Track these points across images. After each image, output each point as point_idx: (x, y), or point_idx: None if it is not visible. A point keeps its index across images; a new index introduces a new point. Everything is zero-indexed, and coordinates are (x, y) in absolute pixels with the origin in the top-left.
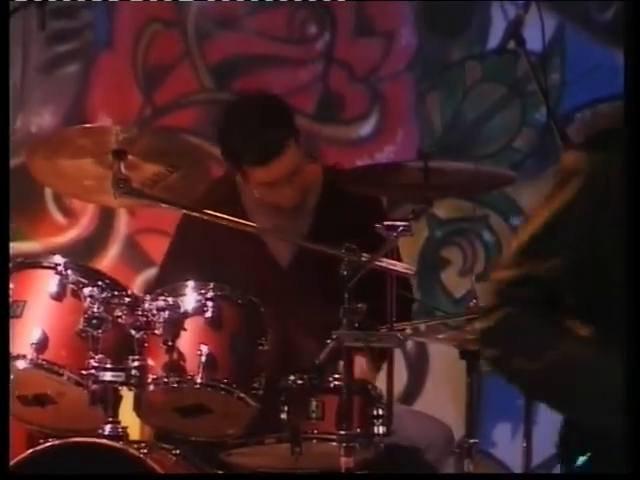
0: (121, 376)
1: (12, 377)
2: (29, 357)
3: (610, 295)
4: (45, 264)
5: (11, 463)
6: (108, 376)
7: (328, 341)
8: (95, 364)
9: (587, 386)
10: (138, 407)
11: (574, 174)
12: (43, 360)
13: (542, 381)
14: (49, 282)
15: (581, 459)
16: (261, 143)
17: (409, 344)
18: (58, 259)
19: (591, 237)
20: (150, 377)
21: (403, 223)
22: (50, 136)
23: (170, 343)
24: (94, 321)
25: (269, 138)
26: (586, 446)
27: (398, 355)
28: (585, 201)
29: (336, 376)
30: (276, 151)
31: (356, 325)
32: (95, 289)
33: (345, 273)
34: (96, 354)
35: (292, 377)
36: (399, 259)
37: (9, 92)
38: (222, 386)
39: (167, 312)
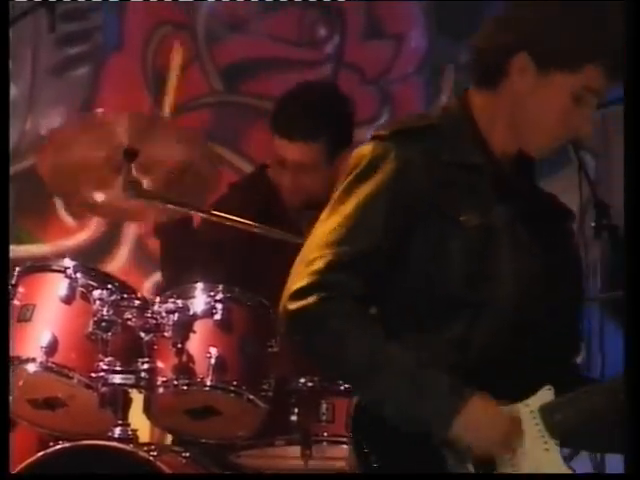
0: (131, 379)
1: (22, 381)
2: (39, 360)
3: (403, 286)
4: (54, 267)
5: (21, 466)
6: (118, 379)
7: None
8: (105, 367)
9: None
10: (148, 409)
11: (374, 166)
12: (53, 363)
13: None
14: (58, 285)
15: None
16: (301, 118)
17: None
18: (67, 262)
19: (391, 230)
20: (160, 379)
21: None
22: (57, 130)
23: (179, 345)
24: (103, 324)
25: (312, 118)
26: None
27: None
28: (386, 193)
29: None
30: (308, 134)
31: None
32: (104, 292)
33: None
34: (106, 357)
35: (302, 379)
36: None
37: (9, 92)
38: (232, 388)
39: (176, 314)
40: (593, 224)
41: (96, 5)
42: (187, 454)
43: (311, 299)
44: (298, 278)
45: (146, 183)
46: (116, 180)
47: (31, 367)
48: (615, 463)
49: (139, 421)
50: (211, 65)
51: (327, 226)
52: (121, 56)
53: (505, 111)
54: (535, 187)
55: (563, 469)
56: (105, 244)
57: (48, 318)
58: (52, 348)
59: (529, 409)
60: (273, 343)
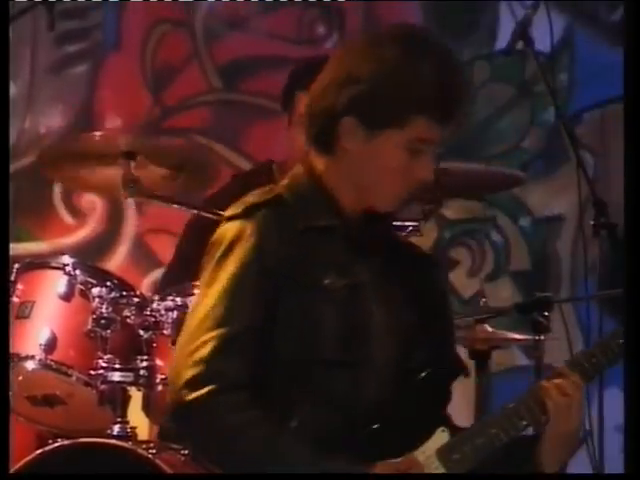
0: (130, 376)
1: (21, 378)
2: (38, 357)
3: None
4: (53, 264)
5: (20, 463)
6: (117, 376)
7: None
8: (104, 364)
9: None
10: (147, 407)
11: (234, 244)
12: (52, 360)
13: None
14: (57, 282)
15: None
16: None
17: None
18: (66, 259)
19: (260, 306)
20: (159, 377)
21: (412, 223)
22: (59, 142)
23: None
24: (102, 321)
25: None
26: None
27: None
28: (249, 270)
29: None
30: None
31: None
32: (103, 289)
33: None
34: (105, 354)
35: None
36: None
37: (9, 92)
38: None
39: (175, 312)
40: (592, 222)
41: (95, 3)
42: (186, 452)
43: (204, 391)
44: (185, 366)
45: (145, 181)
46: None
47: (30, 364)
48: (614, 463)
49: (138, 419)
50: (210, 63)
51: (202, 310)
52: (120, 54)
53: (344, 172)
54: (395, 239)
55: None
56: (104, 241)
57: (47, 315)
58: (51, 345)
59: (425, 455)
60: None
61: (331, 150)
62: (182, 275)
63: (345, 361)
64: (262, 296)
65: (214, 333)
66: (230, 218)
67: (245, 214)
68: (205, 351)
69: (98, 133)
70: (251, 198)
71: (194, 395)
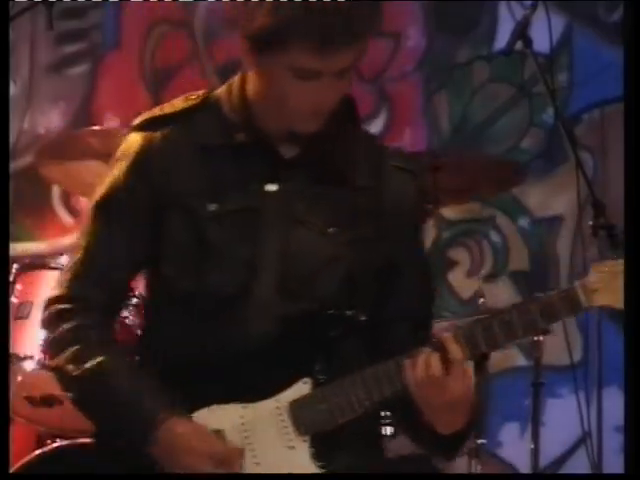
0: None
1: (20, 378)
2: (36, 358)
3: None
4: (52, 265)
5: (19, 464)
6: None
7: None
8: None
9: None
10: None
11: (119, 160)
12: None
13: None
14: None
15: None
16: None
17: None
18: (65, 260)
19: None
20: None
21: None
22: (59, 137)
23: None
24: None
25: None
26: None
27: None
28: (121, 190)
29: None
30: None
31: None
32: None
33: None
34: None
35: None
36: None
37: (9, 92)
38: None
39: None
40: (590, 223)
41: (94, 3)
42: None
43: (53, 309)
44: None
45: None
46: None
47: (29, 365)
48: (613, 463)
49: None
50: (209, 63)
51: (80, 231)
52: (119, 54)
53: (258, 91)
54: (326, 160)
55: (310, 467)
56: None
57: None
58: None
59: (276, 405)
60: None
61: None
62: None
63: (230, 292)
64: (134, 218)
65: (77, 257)
66: (131, 128)
67: (142, 127)
68: (66, 276)
69: (97, 128)
70: (164, 108)
71: (46, 311)
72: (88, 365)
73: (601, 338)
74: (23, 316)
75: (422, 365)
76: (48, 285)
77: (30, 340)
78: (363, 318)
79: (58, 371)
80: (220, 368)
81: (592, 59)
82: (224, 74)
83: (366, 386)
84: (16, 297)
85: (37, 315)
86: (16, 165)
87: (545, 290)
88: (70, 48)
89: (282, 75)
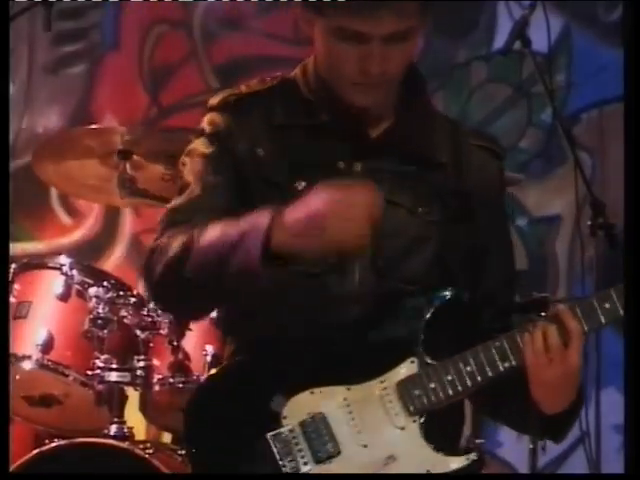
0: (127, 376)
1: (18, 378)
2: (35, 358)
3: None
4: (50, 265)
5: (17, 463)
6: (114, 376)
7: None
8: (101, 364)
9: None
10: (144, 407)
11: (203, 140)
12: (49, 361)
13: None
14: (54, 283)
15: None
16: None
17: None
18: (63, 260)
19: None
20: (156, 377)
21: None
22: (55, 137)
23: (175, 343)
24: (99, 321)
25: None
26: None
27: None
28: (213, 170)
29: None
30: None
31: None
32: (100, 289)
33: None
34: (102, 354)
35: None
36: None
37: (9, 92)
38: None
39: None
40: (589, 222)
41: (93, 3)
42: (183, 452)
43: (162, 239)
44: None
45: (141, 181)
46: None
47: (27, 364)
48: (611, 463)
49: (135, 419)
50: (207, 63)
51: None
52: (117, 54)
53: (326, 67)
54: (409, 138)
55: (420, 444)
56: (101, 242)
57: (44, 315)
58: (48, 345)
59: (383, 386)
60: None
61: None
62: None
63: (311, 272)
64: (226, 190)
65: (176, 202)
66: (209, 107)
67: (219, 104)
68: (167, 219)
69: (94, 126)
70: (242, 88)
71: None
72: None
73: (599, 338)
74: (21, 316)
75: (540, 337)
76: (46, 285)
77: (28, 340)
78: (467, 298)
79: (171, 264)
80: (318, 350)
81: (591, 59)
82: (223, 73)
83: (479, 363)
84: (14, 297)
85: (35, 315)
86: (14, 165)
87: (543, 290)
88: (68, 48)
89: (332, 40)
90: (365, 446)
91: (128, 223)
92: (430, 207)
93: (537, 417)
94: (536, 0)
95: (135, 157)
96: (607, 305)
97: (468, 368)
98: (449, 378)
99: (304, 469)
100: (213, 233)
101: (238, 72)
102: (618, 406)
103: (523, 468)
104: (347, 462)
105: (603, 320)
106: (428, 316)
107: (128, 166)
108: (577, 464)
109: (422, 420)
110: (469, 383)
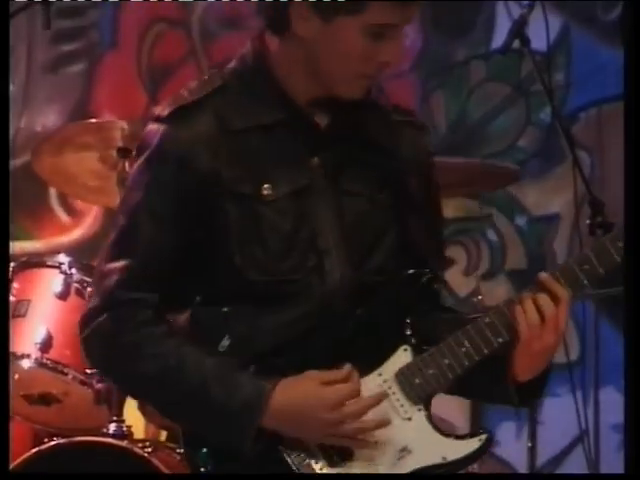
0: None
1: (17, 376)
2: (34, 356)
3: None
4: (49, 263)
5: (16, 462)
6: None
7: None
8: None
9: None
10: (143, 406)
11: (152, 156)
12: (48, 359)
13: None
14: (53, 281)
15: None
16: None
17: None
18: (62, 258)
19: (182, 226)
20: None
21: None
22: (55, 133)
23: None
24: None
25: None
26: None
27: None
28: (168, 186)
29: None
30: None
31: None
32: None
33: None
34: None
35: None
36: None
37: (9, 92)
38: None
39: None
40: (588, 221)
41: (91, 2)
42: (182, 451)
43: (100, 319)
44: (92, 295)
45: None
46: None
47: (26, 363)
48: (610, 462)
49: (134, 417)
50: (206, 62)
51: (114, 231)
52: (116, 53)
53: (298, 57)
54: (364, 127)
55: (430, 432)
56: (100, 240)
57: (43, 314)
58: (47, 344)
59: (382, 378)
60: None
61: (284, 34)
62: None
63: (292, 279)
64: (182, 215)
65: (120, 263)
66: (155, 119)
67: (169, 117)
68: (108, 282)
69: (94, 120)
70: (186, 95)
71: (92, 325)
72: (171, 360)
73: (598, 336)
74: (20, 314)
75: (533, 308)
76: (45, 283)
77: (27, 338)
78: (440, 272)
79: (128, 379)
80: (310, 351)
81: (589, 58)
82: None
83: (473, 342)
84: (13, 295)
85: (34, 313)
86: (13, 164)
87: None
88: (67, 47)
89: (352, 36)
90: (376, 442)
91: None
92: (384, 192)
93: (511, 385)
94: None
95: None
96: (586, 266)
97: (463, 349)
98: (446, 362)
99: (318, 471)
100: (196, 378)
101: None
102: (617, 405)
103: (521, 467)
104: (361, 461)
105: (585, 281)
106: (412, 298)
107: (127, 165)
108: (576, 463)
109: (427, 408)
110: (466, 363)
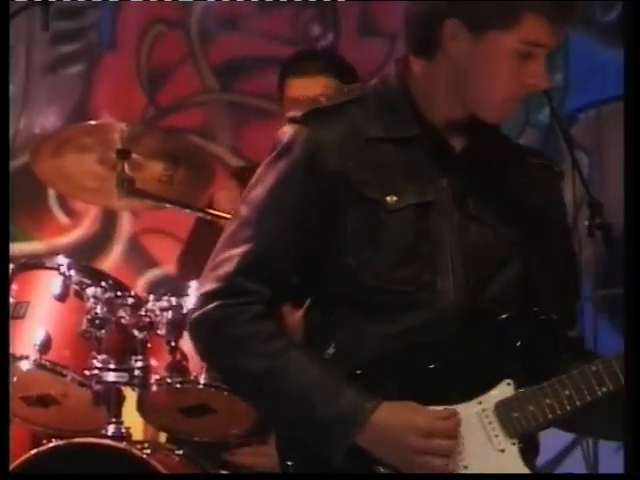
0: (124, 376)
1: (15, 378)
2: (32, 358)
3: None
4: (48, 265)
5: (15, 463)
6: (111, 376)
7: None
8: (98, 364)
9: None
10: (141, 407)
11: (283, 152)
12: (46, 361)
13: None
14: (52, 283)
15: None
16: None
17: None
18: (61, 260)
19: (303, 221)
20: (153, 377)
21: None
22: (54, 134)
23: (173, 343)
24: (97, 321)
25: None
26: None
27: None
28: (294, 182)
29: None
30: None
31: None
32: (98, 289)
33: None
34: (99, 354)
35: None
36: None
37: (9, 92)
38: (225, 386)
39: (170, 312)
40: (586, 222)
41: (90, 3)
42: (181, 452)
43: (212, 306)
44: (206, 280)
45: (139, 181)
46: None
47: (25, 365)
48: (609, 463)
49: (133, 419)
50: (205, 63)
51: (235, 222)
52: (115, 54)
53: (445, 78)
54: (499, 152)
55: (520, 467)
56: (99, 242)
57: (42, 315)
58: (46, 346)
59: (481, 407)
60: None
61: (431, 54)
62: (189, 272)
63: (404, 290)
64: (305, 212)
65: (239, 250)
66: (290, 120)
67: (306, 118)
68: (226, 269)
69: (93, 122)
70: (322, 100)
71: (202, 310)
72: (278, 361)
73: (597, 337)
74: (19, 316)
75: None
76: (44, 285)
77: (26, 340)
78: (555, 317)
79: (231, 373)
80: (414, 368)
81: (588, 59)
82: (220, 74)
83: (577, 387)
84: (12, 297)
85: (33, 315)
86: (12, 165)
87: None
88: (66, 48)
89: (503, 53)
90: (466, 467)
91: (126, 223)
92: (511, 226)
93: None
94: None
95: (134, 156)
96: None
97: (566, 392)
98: (548, 402)
99: None
100: (300, 382)
101: (236, 72)
102: None
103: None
104: None
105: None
106: (523, 337)
107: (127, 166)
108: (574, 464)
109: (522, 443)
110: (568, 407)
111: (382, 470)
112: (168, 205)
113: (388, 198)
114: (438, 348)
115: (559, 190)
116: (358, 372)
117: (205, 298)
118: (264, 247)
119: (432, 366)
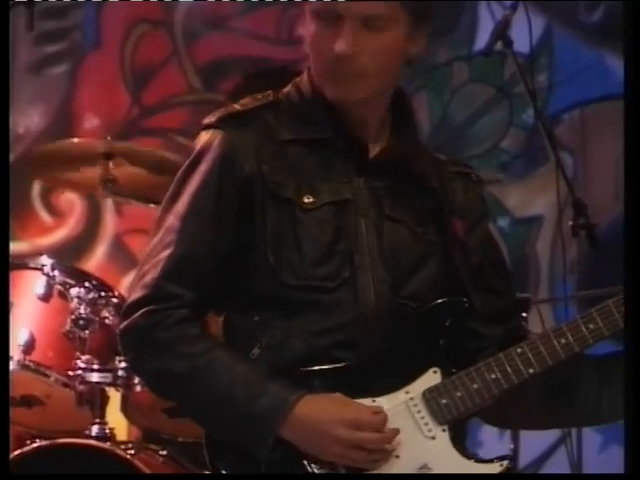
0: (108, 377)
1: None
2: (16, 358)
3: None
4: (32, 265)
5: None
6: (95, 377)
7: None
8: (82, 365)
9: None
10: (125, 408)
11: (199, 157)
12: (30, 361)
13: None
14: (36, 283)
15: None
16: None
17: None
18: (45, 260)
19: (224, 225)
20: (137, 378)
21: None
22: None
23: None
24: (81, 322)
25: None
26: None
27: None
28: (212, 186)
29: None
30: None
31: None
32: (82, 290)
33: None
34: (83, 355)
35: None
36: None
37: (9, 92)
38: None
39: None
40: (571, 223)
41: (74, 3)
42: (164, 452)
43: (139, 313)
44: (132, 291)
45: (123, 181)
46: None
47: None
48: (592, 463)
49: (116, 419)
50: (189, 63)
51: (160, 229)
52: (99, 54)
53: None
54: (416, 165)
55: (452, 453)
56: (83, 242)
57: (25, 316)
58: (29, 346)
59: (409, 396)
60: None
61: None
62: None
63: (326, 287)
64: (225, 215)
65: (163, 255)
66: (205, 126)
67: (218, 123)
68: (151, 275)
69: (76, 140)
70: (236, 106)
71: (130, 319)
72: (201, 361)
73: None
74: None
75: None
76: (28, 285)
77: (10, 340)
78: (478, 303)
79: (157, 376)
80: (339, 363)
81: (572, 60)
82: (204, 73)
83: (504, 370)
84: (9, 297)
85: (16, 315)
86: None
87: (525, 290)
88: (50, 48)
89: (312, 25)
90: (397, 457)
91: (110, 223)
92: (427, 228)
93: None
94: (518, 0)
95: (118, 157)
96: (591, 326)
97: (493, 375)
98: (475, 387)
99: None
100: (223, 381)
101: (220, 72)
102: None
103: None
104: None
105: (590, 341)
106: (447, 325)
107: (111, 165)
108: (558, 464)
109: (451, 429)
110: (495, 391)
111: (312, 466)
112: (152, 205)
113: (305, 198)
114: (363, 343)
115: (478, 196)
116: (284, 370)
117: (133, 307)
118: (187, 250)
119: (358, 361)
